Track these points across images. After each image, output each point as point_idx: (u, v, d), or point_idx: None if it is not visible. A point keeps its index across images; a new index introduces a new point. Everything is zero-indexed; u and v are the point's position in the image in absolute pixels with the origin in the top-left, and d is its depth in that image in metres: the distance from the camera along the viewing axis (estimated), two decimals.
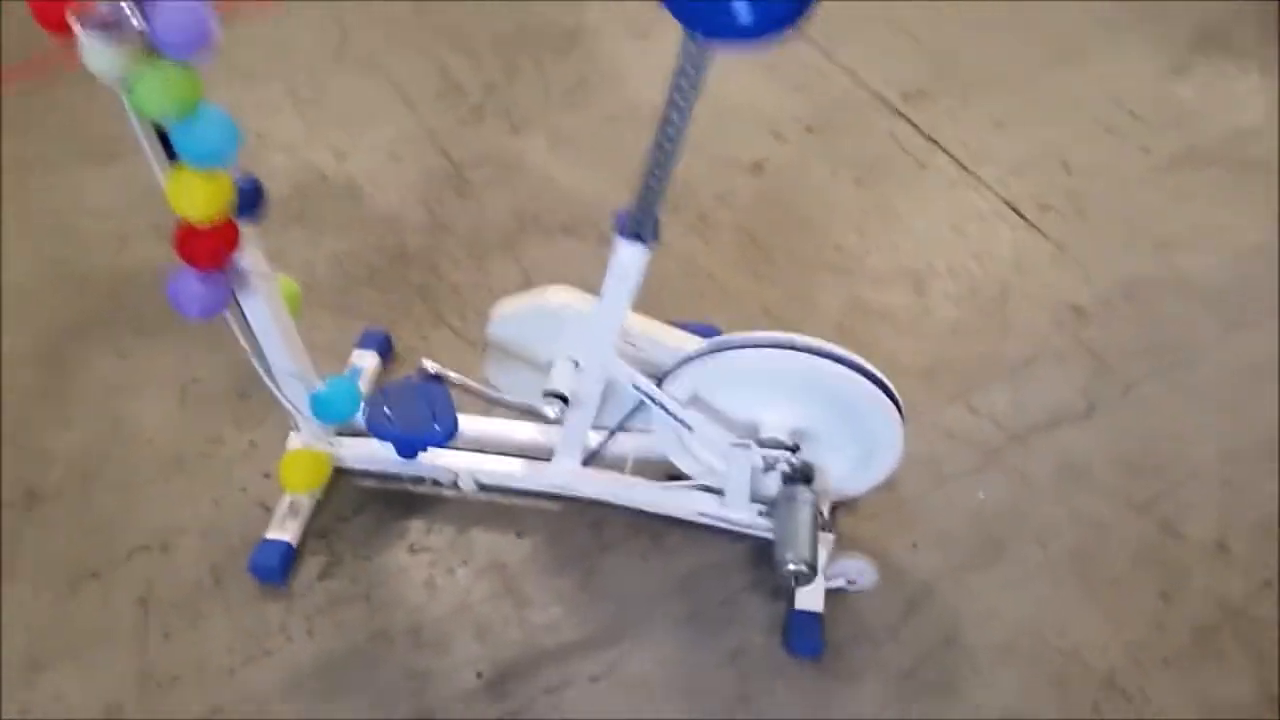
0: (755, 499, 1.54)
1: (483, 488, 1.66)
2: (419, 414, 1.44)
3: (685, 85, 1.14)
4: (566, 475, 1.61)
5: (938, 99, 2.45)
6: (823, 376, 1.38)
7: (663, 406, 1.47)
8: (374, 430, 1.46)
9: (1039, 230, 2.13)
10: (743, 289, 2.02)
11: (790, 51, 2.53)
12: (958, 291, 2.01)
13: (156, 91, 1.03)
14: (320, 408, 1.51)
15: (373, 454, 1.65)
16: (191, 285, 1.28)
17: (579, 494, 1.63)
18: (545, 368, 1.55)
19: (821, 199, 2.21)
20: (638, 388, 1.47)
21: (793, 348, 1.38)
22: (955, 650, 1.51)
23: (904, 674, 1.48)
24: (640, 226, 1.29)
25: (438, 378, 1.46)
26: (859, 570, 1.52)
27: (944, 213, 2.18)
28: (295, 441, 1.65)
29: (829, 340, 1.37)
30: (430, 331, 1.95)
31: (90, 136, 2.39)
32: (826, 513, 1.52)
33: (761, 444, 1.46)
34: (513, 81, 2.52)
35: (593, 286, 1.49)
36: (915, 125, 2.38)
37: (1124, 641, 1.51)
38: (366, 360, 1.84)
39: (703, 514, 1.59)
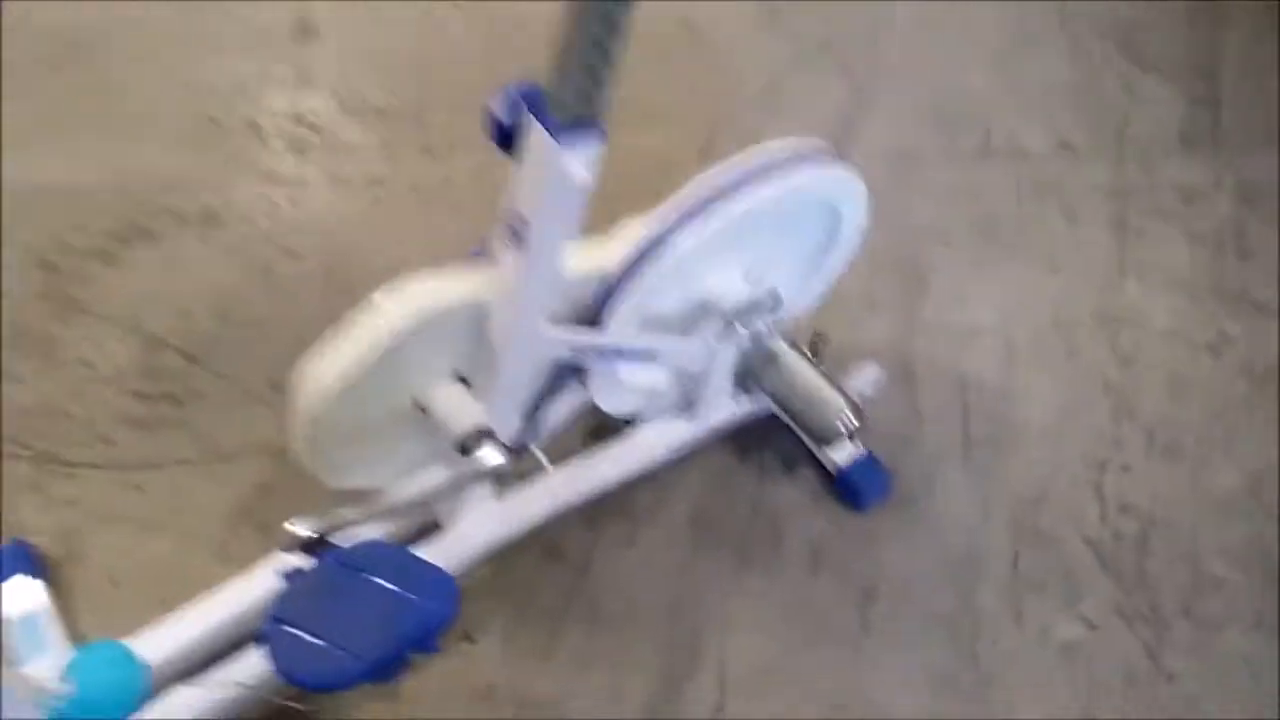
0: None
1: None
2: (378, 608, 0.80)
3: None
4: (486, 530, 1.07)
5: None
6: (755, 201, 1.00)
7: (622, 354, 1.02)
8: (330, 687, 0.79)
9: None
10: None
11: None
12: None
13: None
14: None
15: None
16: None
17: (511, 540, 1.10)
18: (413, 417, 0.97)
19: None
20: (588, 351, 0.99)
21: (722, 194, 0.98)
22: None
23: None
24: (585, 104, 0.78)
25: (323, 542, 0.83)
26: (867, 381, 1.25)
27: None
28: None
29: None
30: (51, 485, 1.14)
31: None
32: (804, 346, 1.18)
33: (740, 318, 1.10)
34: None
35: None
36: None
37: None
38: (27, 594, 1.01)
39: (677, 445, 1.18)
